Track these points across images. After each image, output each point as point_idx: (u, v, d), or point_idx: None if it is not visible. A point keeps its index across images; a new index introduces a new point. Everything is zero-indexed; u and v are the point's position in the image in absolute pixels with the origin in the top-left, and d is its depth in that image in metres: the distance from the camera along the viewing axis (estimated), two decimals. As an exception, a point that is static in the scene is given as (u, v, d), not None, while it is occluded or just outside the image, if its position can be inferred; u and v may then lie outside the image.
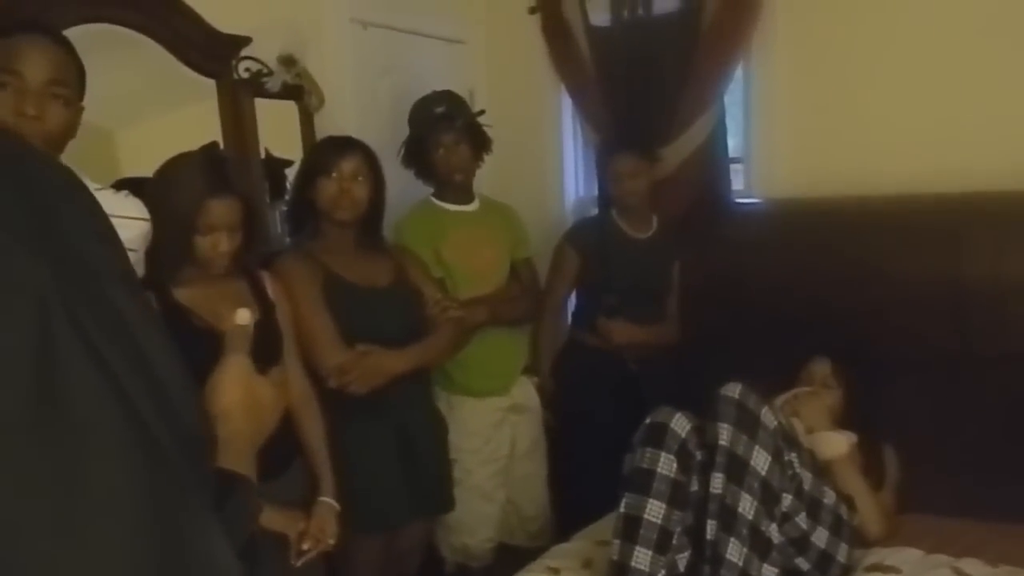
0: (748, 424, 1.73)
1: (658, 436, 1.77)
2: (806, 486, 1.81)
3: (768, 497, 1.71)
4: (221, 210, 1.64)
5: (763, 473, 1.70)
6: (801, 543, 1.80)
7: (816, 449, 2.01)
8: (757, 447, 1.71)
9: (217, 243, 1.65)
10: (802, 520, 1.79)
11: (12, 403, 0.40)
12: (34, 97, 1.26)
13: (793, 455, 1.80)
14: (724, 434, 1.72)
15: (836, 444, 2.04)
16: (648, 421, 1.81)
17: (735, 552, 1.66)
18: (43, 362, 0.41)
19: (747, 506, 1.68)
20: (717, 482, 1.70)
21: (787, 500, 1.76)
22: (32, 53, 1.27)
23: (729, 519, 1.68)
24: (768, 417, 1.76)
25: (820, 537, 1.81)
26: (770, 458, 1.72)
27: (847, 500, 1.95)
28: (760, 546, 1.69)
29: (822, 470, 1.93)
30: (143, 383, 0.47)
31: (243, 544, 0.58)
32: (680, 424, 1.77)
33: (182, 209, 1.61)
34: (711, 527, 1.69)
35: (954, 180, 2.34)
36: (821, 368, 2.26)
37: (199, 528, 0.48)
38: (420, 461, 2.05)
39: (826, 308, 2.36)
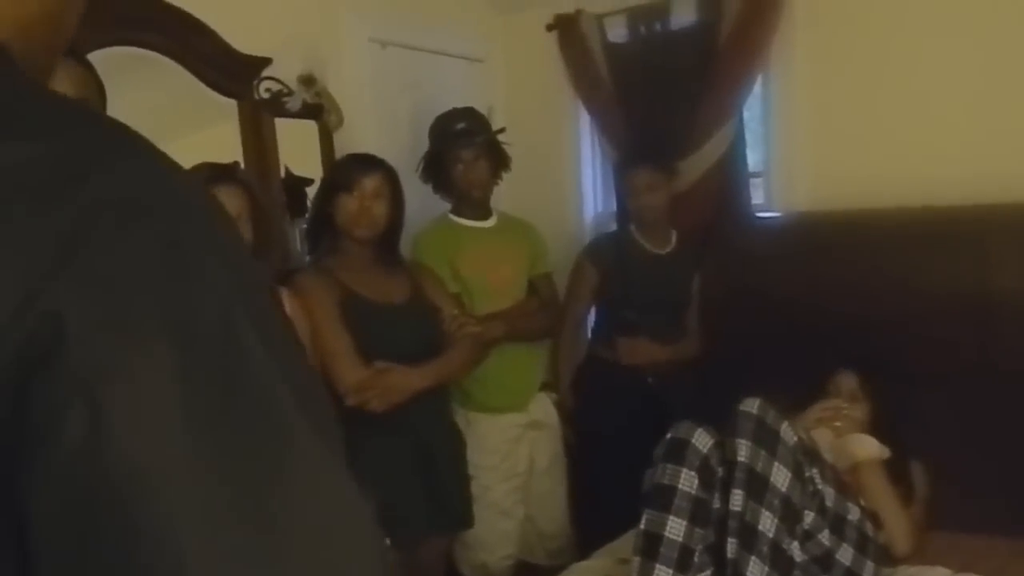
0: (767, 440, 1.71)
1: (679, 452, 1.75)
2: (829, 502, 1.78)
3: (789, 514, 1.68)
4: (224, 197, 1.65)
5: (783, 490, 1.68)
6: (825, 561, 1.77)
7: (847, 451, 1.98)
8: (777, 463, 1.69)
9: None
10: (825, 537, 1.76)
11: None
12: None
13: (815, 470, 1.77)
14: (743, 450, 1.70)
15: (869, 445, 2.01)
16: (669, 436, 1.79)
17: (756, 570, 1.63)
18: (231, 365, 0.41)
19: (767, 523, 1.65)
20: (737, 499, 1.68)
21: (809, 517, 1.73)
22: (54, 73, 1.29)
23: (749, 537, 1.65)
24: (788, 432, 1.74)
25: (845, 555, 1.78)
26: (790, 475, 1.69)
27: (872, 516, 1.92)
28: (782, 565, 1.67)
29: (845, 485, 1.90)
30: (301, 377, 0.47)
31: None
32: (701, 440, 1.75)
33: None
34: (731, 545, 1.66)
35: (977, 191, 2.31)
36: (848, 381, 2.23)
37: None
38: (439, 478, 2.05)
39: (848, 322, 2.33)
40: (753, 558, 1.64)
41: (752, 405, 1.74)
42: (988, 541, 1.96)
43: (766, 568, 1.64)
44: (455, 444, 2.19)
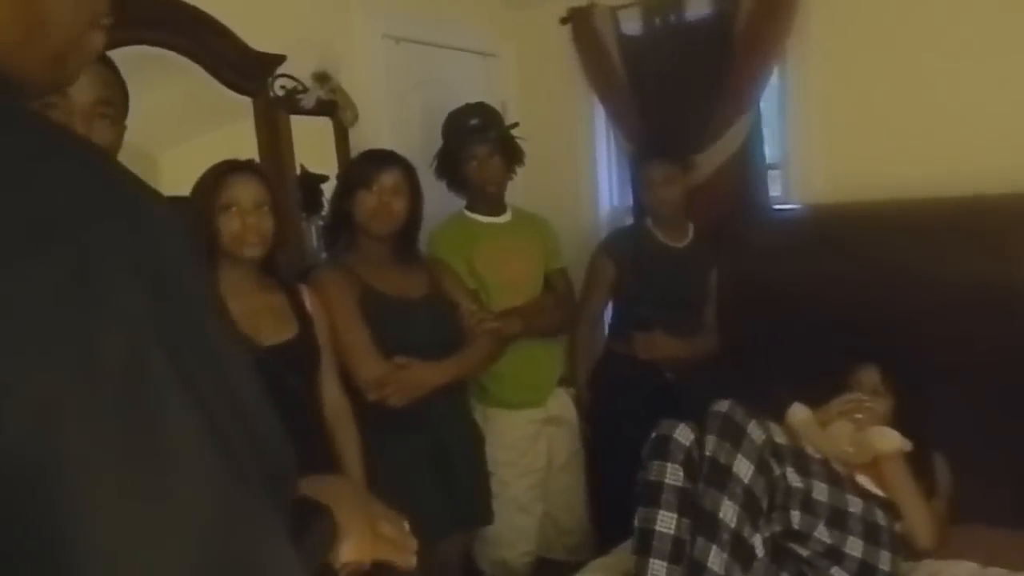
0: (732, 434, 1.74)
1: (663, 448, 1.81)
2: (821, 497, 1.79)
3: (751, 504, 1.70)
4: (239, 186, 1.69)
5: (745, 480, 1.70)
6: (834, 554, 1.77)
7: (868, 444, 1.98)
8: (740, 455, 1.72)
9: (240, 219, 1.69)
10: (824, 535, 1.76)
11: (99, 433, 0.41)
12: (82, 116, 1.29)
13: (789, 469, 1.78)
14: (709, 445, 1.75)
15: (890, 438, 2.00)
16: (653, 435, 1.85)
17: (716, 560, 1.65)
18: (132, 391, 0.42)
19: (729, 513, 1.67)
20: (702, 493, 1.72)
21: (796, 517, 1.74)
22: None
23: (711, 527, 1.67)
24: (756, 430, 1.76)
25: (854, 547, 1.78)
26: (754, 467, 1.71)
27: (890, 506, 1.90)
28: (742, 555, 1.68)
29: (840, 478, 1.90)
30: (232, 415, 0.48)
31: (317, 572, 0.62)
32: (683, 434, 1.81)
33: (202, 192, 1.67)
34: (699, 542, 1.68)
35: (994, 181, 2.28)
36: (870, 376, 2.21)
37: (279, 558, 0.49)
38: (457, 474, 2.05)
39: (868, 314, 2.31)
40: (714, 547, 1.66)
41: (723, 405, 1.79)
42: (1014, 535, 1.94)
43: (725, 556, 1.65)
44: (474, 441, 2.19)
